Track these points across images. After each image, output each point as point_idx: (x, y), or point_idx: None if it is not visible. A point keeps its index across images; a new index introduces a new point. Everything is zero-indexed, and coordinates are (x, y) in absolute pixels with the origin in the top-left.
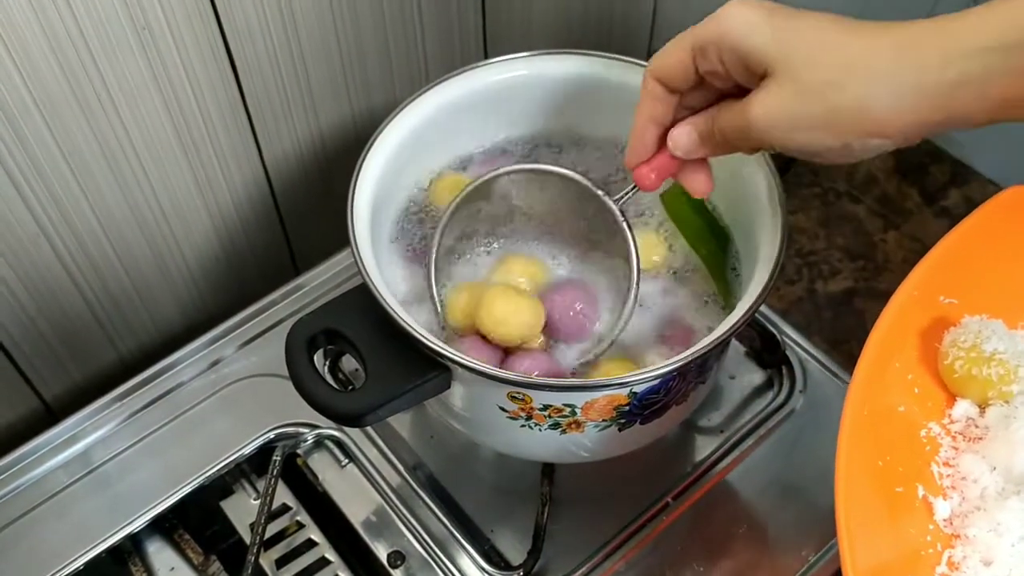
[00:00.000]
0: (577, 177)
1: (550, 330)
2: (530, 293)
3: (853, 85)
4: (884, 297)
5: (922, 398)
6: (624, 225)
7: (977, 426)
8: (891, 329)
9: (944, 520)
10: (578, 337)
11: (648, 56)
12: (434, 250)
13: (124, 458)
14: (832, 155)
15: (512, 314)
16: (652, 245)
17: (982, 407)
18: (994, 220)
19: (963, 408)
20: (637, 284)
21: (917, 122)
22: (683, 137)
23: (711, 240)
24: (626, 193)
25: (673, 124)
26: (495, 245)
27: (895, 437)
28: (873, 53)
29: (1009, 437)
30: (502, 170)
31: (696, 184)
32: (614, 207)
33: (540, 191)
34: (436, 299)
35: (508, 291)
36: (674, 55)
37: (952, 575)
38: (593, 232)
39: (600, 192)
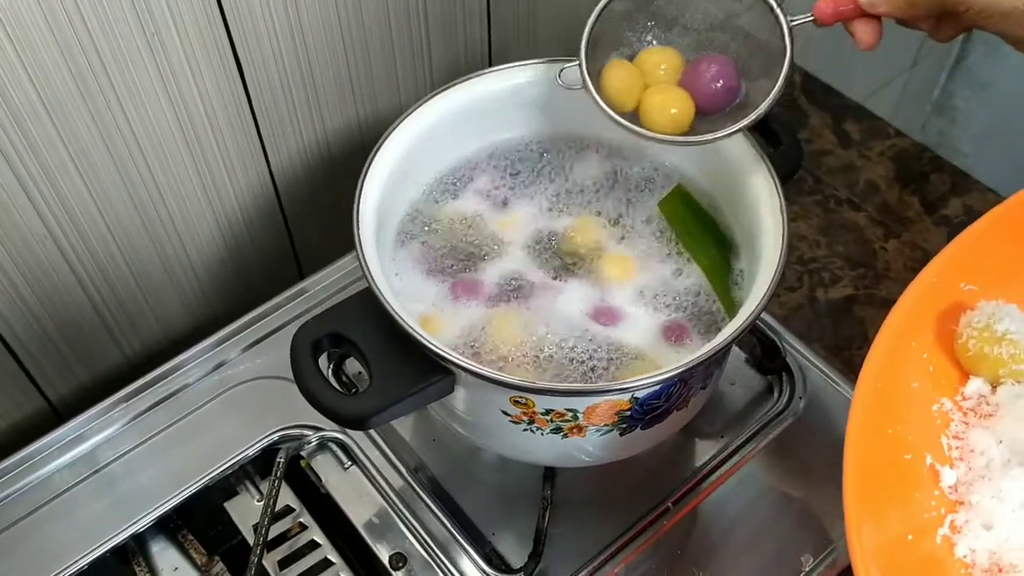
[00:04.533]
0: None
1: (698, 108)
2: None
3: None
4: (884, 305)
5: (936, 376)
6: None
7: (988, 403)
8: (911, 311)
9: (949, 487)
10: (723, 107)
11: None
12: (587, 32)
13: (129, 459)
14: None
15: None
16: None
17: (994, 385)
18: (1020, 212)
19: (975, 386)
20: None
21: None
22: None
23: (713, 247)
24: (801, 17)
25: None
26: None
27: (907, 409)
28: None
29: (1018, 413)
30: None
31: (864, 35)
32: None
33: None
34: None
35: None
36: None
37: (954, 537)
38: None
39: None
